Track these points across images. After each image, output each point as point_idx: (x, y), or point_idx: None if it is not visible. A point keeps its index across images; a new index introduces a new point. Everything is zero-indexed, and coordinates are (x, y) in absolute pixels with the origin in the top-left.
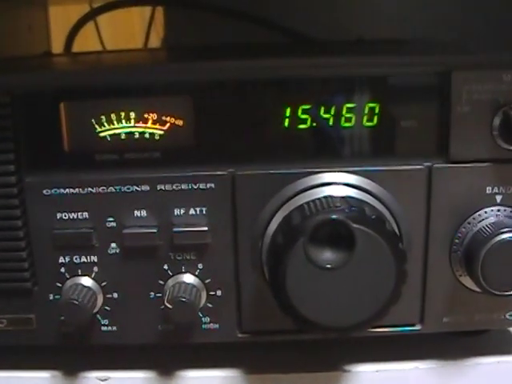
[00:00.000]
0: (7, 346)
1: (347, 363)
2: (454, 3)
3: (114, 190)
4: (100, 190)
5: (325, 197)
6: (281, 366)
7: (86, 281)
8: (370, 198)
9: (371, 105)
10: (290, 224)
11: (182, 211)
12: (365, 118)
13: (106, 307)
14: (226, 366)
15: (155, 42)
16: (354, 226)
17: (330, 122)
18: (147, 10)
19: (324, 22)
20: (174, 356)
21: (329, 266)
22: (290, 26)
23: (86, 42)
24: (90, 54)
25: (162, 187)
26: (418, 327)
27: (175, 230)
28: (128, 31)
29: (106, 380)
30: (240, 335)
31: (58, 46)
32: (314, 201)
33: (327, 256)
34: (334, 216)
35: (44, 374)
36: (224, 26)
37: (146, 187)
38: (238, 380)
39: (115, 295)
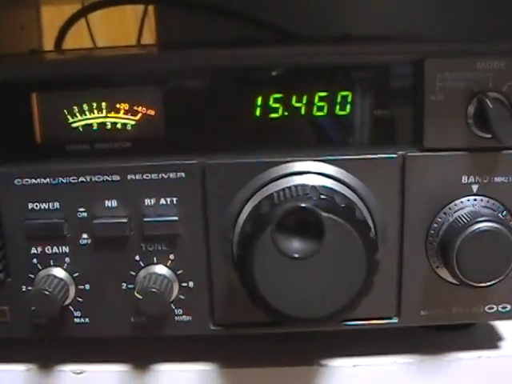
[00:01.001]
0: None
1: (324, 357)
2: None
3: (84, 180)
4: (71, 180)
5: (295, 185)
6: (256, 360)
7: (59, 272)
8: (343, 187)
9: (344, 93)
10: (259, 212)
11: (153, 201)
12: (337, 107)
13: (79, 298)
14: (200, 359)
15: (149, 40)
16: (323, 214)
17: (302, 111)
18: (141, 8)
19: (315, 22)
20: (150, 349)
21: (297, 255)
22: (280, 25)
23: (81, 41)
24: (78, 51)
25: (133, 177)
26: (394, 320)
27: (146, 220)
28: (123, 30)
29: (81, 373)
30: (213, 328)
31: (51, 46)
32: (283, 189)
33: (296, 245)
34: (302, 204)
35: (19, 367)
36: (216, 23)
37: (116, 177)
38: (212, 374)
39: (87, 286)
